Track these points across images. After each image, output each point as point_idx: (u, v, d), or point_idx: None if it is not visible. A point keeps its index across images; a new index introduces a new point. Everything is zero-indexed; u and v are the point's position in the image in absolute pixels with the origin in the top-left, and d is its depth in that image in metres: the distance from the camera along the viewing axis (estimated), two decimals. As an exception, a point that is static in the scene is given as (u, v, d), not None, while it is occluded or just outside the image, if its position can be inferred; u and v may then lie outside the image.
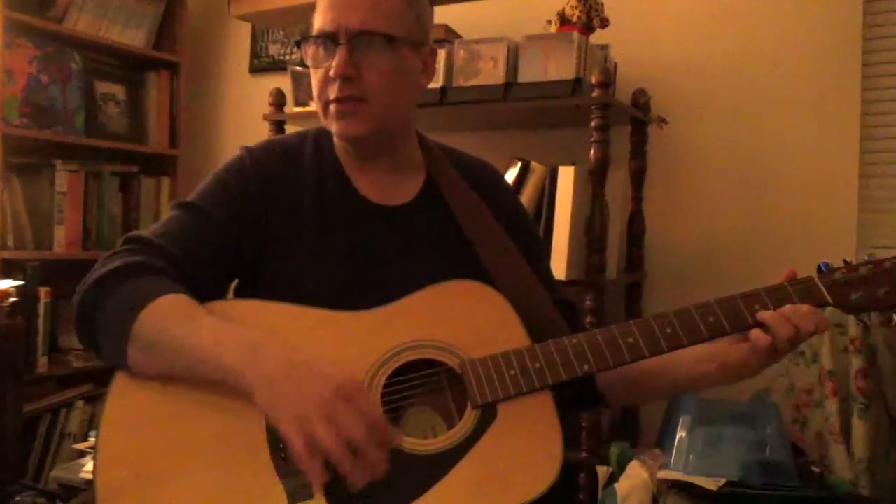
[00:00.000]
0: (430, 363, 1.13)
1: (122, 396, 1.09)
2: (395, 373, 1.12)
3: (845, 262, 1.14)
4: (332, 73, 1.19)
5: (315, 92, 1.26)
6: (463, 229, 1.29)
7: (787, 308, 1.10)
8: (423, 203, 1.31)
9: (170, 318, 1.07)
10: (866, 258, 1.14)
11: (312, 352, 1.06)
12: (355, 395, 0.98)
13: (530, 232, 1.42)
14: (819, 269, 1.14)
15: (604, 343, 1.13)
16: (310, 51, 1.24)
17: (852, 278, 1.12)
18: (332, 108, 1.23)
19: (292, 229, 1.24)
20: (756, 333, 1.10)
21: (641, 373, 1.23)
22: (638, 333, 1.13)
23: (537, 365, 1.11)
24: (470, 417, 1.08)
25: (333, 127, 1.25)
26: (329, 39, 1.21)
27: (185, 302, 1.10)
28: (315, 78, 1.25)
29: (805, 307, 1.10)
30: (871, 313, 1.86)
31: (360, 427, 0.96)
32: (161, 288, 1.10)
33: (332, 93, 1.21)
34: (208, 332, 1.05)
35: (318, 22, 1.23)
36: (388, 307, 1.16)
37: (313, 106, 2.53)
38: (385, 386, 1.10)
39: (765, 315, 1.10)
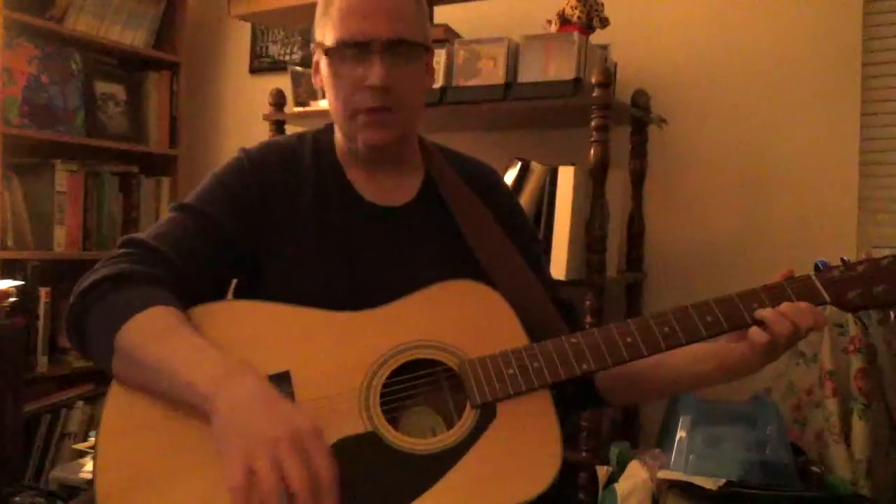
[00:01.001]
0: (429, 363, 1.13)
1: (121, 399, 1.09)
2: (394, 373, 1.11)
3: (842, 260, 1.14)
4: (370, 83, 1.19)
5: (339, 99, 1.24)
6: (461, 230, 1.29)
7: (785, 305, 1.10)
8: (422, 203, 1.31)
9: (151, 333, 1.06)
10: (864, 255, 1.14)
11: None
12: (310, 445, 0.92)
13: (528, 232, 1.43)
14: (816, 268, 1.14)
15: (602, 342, 1.13)
16: (333, 59, 1.22)
17: (849, 276, 1.12)
18: (363, 117, 1.22)
19: (291, 230, 1.24)
20: (754, 331, 1.10)
21: (640, 372, 1.23)
22: (636, 333, 1.13)
23: (536, 364, 1.11)
24: (469, 417, 1.08)
25: (361, 136, 1.24)
26: (362, 49, 1.19)
27: (168, 317, 1.08)
28: (339, 86, 1.23)
29: (803, 304, 1.10)
30: (869, 311, 1.86)
31: (303, 479, 0.89)
32: (148, 299, 1.09)
33: (365, 102, 1.21)
34: (184, 355, 1.03)
35: (342, 30, 1.20)
36: (386, 307, 1.16)
37: (313, 106, 2.57)
38: (384, 386, 1.10)
39: (763, 313, 1.10)
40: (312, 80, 1.32)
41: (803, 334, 1.09)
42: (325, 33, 1.23)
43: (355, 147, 1.27)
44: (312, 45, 1.30)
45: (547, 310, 1.25)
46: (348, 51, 1.20)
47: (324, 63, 1.25)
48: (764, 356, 1.11)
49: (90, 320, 1.10)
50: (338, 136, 1.32)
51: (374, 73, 1.18)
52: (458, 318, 1.16)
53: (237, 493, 0.89)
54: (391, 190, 1.31)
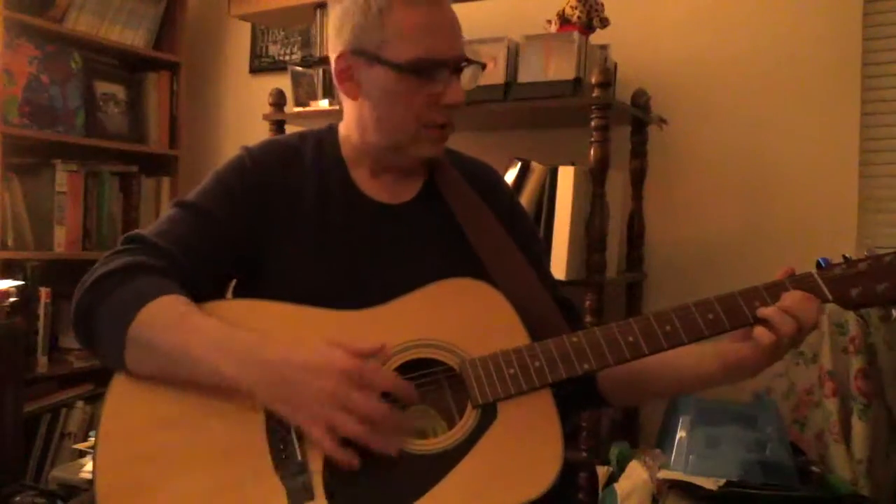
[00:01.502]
0: (429, 362, 1.13)
1: (121, 399, 1.09)
2: (395, 372, 1.11)
3: (844, 257, 1.13)
4: (450, 101, 1.21)
5: (406, 116, 1.22)
6: (463, 228, 1.29)
7: (786, 301, 1.10)
8: (424, 202, 1.31)
9: (166, 321, 1.07)
10: (866, 253, 1.13)
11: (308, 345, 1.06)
12: (358, 373, 1.02)
13: (529, 231, 1.43)
14: (818, 265, 1.14)
15: (604, 341, 1.12)
16: (408, 74, 1.19)
17: (851, 274, 1.12)
18: (429, 133, 1.24)
19: (292, 228, 1.24)
20: (758, 331, 1.10)
21: (643, 373, 1.23)
22: (638, 331, 1.12)
23: (537, 364, 1.11)
24: (470, 417, 1.08)
25: (419, 149, 1.25)
26: (442, 66, 1.20)
27: (182, 304, 1.10)
28: (410, 102, 1.21)
29: (798, 293, 1.10)
30: (870, 309, 1.85)
31: (373, 403, 1.01)
32: (158, 289, 1.10)
33: (438, 119, 1.23)
34: (203, 337, 1.06)
35: (421, 47, 1.18)
36: (387, 306, 1.16)
37: (313, 106, 2.57)
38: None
39: (765, 311, 1.10)
40: (336, 82, 1.27)
41: (807, 329, 1.09)
42: (388, 45, 1.19)
43: (404, 157, 1.27)
44: (340, 50, 1.24)
45: (548, 309, 1.25)
46: (429, 68, 1.19)
47: (381, 75, 1.20)
48: (768, 355, 1.11)
49: (99, 315, 1.10)
50: (350, 137, 1.31)
51: (457, 92, 1.21)
52: (459, 317, 1.16)
53: (338, 454, 1.00)
54: (393, 189, 1.31)
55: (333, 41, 1.26)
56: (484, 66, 1.30)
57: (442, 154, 1.30)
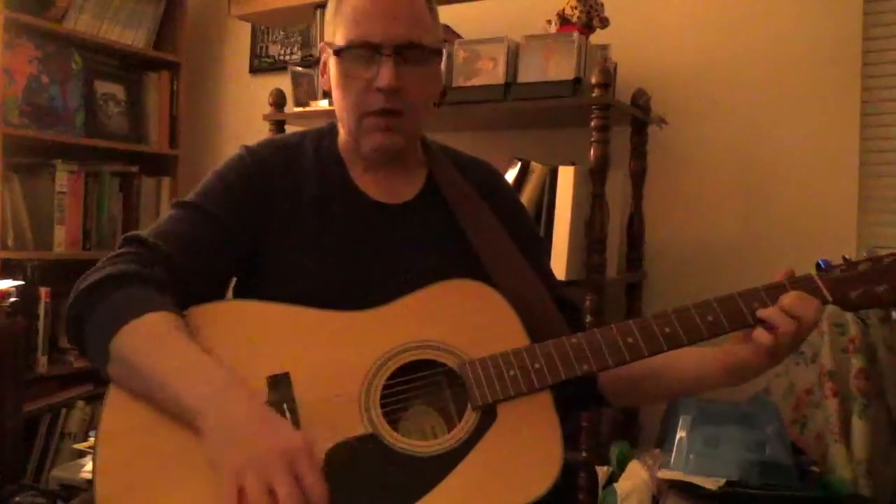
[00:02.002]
0: (429, 364, 1.13)
1: (120, 402, 1.08)
2: (395, 374, 1.11)
3: (844, 259, 1.13)
4: (379, 84, 1.18)
5: (348, 101, 1.23)
6: (463, 228, 1.29)
7: (785, 301, 1.09)
8: (424, 202, 1.31)
9: (144, 342, 1.05)
10: (866, 255, 1.13)
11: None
12: (301, 463, 0.93)
13: (530, 231, 1.42)
14: (818, 267, 1.14)
15: (603, 342, 1.12)
16: (345, 59, 1.22)
17: (852, 275, 1.12)
18: (370, 120, 1.22)
19: (292, 228, 1.24)
20: (758, 332, 1.10)
21: (644, 375, 1.23)
22: (638, 333, 1.12)
23: (537, 365, 1.11)
24: (470, 418, 1.08)
25: (369, 141, 1.24)
26: (374, 50, 1.19)
27: (164, 324, 1.07)
28: (349, 88, 1.22)
29: (797, 294, 1.09)
30: (870, 310, 1.85)
31: (293, 498, 0.90)
32: (144, 305, 1.08)
33: (374, 105, 1.21)
34: (176, 367, 1.03)
35: (354, 31, 1.20)
36: (387, 307, 1.16)
37: (313, 106, 2.57)
38: (385, 387, 1.10)
39: (765, 312, 1.10)
40: (318, 79, 1.32)
41: (807, 330, 1.09)
42: (336, 33, 1.23)
43: (361, 149, 1.27)
44: (321, 45, 1.30)
45: (548, 310, 1.24)
46: (359, 52, 1.20)
47: (333, 63, 1.25)
48: (768, 357, 1.11)
49: (88, 323, 1.10)
50: (342, 134, 1.32)
51: (385, 75, 1.18)
52: (459, 319, 1.16)
53: None
54: (393, 188, 1.31)
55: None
56: (439, 53, 1.26)
57: (395, 148, 1.25)
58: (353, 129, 1.25)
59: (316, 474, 0.93)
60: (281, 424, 0.99)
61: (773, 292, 1.12)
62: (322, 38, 1.29)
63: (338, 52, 1.22)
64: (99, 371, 1.11)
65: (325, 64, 1.29)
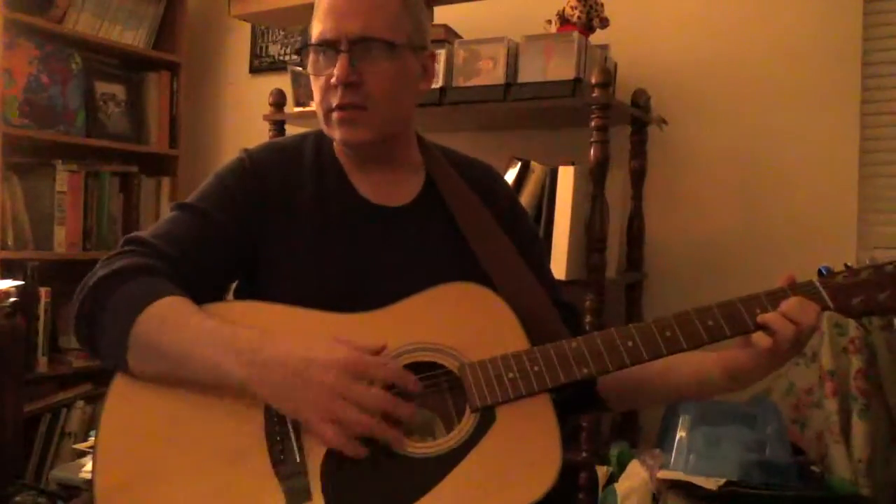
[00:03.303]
0: (429, 366, 1.13)
1: (121, 398, 1.09)
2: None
3: (846, 265, 1.14)
4: (333, 80, 1.19)
5: (316, 99, 1.25)
6: (462, 231, 1.29)
7: (785, 306, 1.09)
8: (423, 204, 1.31)
9: (168, 321, 1.08)
10: (868, 261, 1.13)
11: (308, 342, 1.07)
12: (358, 366, 1.03)
13: (530, 232, 1.42)
14: (820, 273, 1.14)
15: (603, 346, 1.12)
16: (310, 59, 1.24)
17: (853, 282, 1.12)
18: (335, 115, 1.22)
19: (292, 231, 1.24)
20: (758, 336, 1.10)
21: (644, 378, 1.23)
22: (637, 337, 1.12)
23: (536, 368, 1.11)
24: (469, 420, 1.08)
25: (336, 134, 1.25)
26: (329, 47, 1.20)
27: (183, 305, 1.10)
28: (316, 86, 1.24)
29: (797, 299, 1.10)
30: (872, 317, 1.85)
31: (375, 392, 1.02)
32: (159, 290, 1.11)
33: (335, 100, 1.21)
34: (205, 336, 1.06)
35: (317, 29, 1.22)
36: (386, 309, 1.16)
37: (313, 106, 2.56)
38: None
39: (766, 317, 1.10)
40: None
41: (807, 335, 1.09)
42: (311, 34, 1.26)
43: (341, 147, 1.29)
44: None
45: (548, 313, 1.24)
46: (321, 49, 1.22)
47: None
48: (769, 362, 1.11)
49: (101, 317, 1.11)
50: None
51: (337, 70, 1.19)
52: (459, 321, 1.16)
53: (343, 446, 1.01)
54: (392, 191, 1.30)
55: None
56: (405, 47, 1.23)
57: (360, 140, 1.24)
58: (325, 126, 1.26)
59: (381, 366, 1.06)
60: (324, 353, 1.05)
61: (774, 298, 1.12)
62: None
63: (300, 51, 1.26)
64: (109, 365, 1.12)
65: None
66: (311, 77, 1.25)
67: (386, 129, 1.25)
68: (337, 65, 1.19)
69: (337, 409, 1.01)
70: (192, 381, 1.07)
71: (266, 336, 1.07)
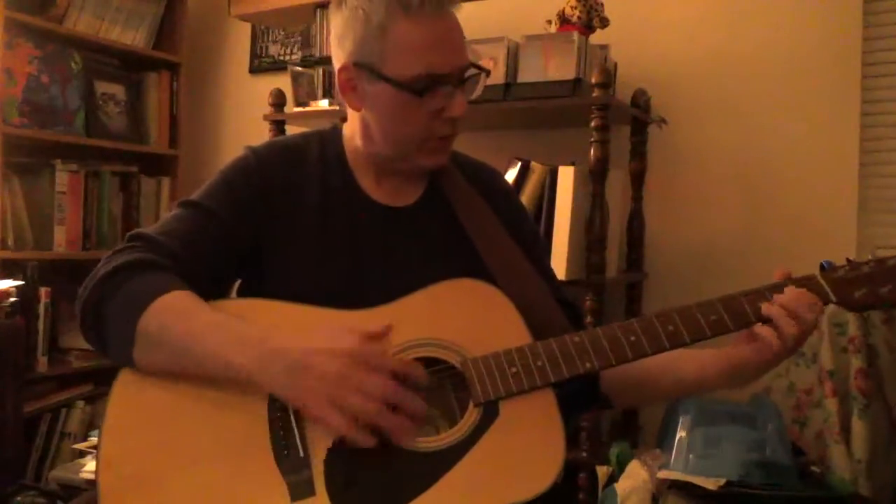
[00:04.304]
0: (432, 361, 1.13)
1: (126, 395, 1.09)
2: (398, 371, 1.12)
3: (848, 260, 1.14)
4: (452, 114, 1.20)
5: (407, 131, 1.22)
6: (466, 230, 1.29)
7: (783, 298, 1.10)
8: (427, 204, 1.31)
9: (174, 315, 1.08)
10: (870, 256, 1.14)
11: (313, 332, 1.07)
12: (364, 355, 1.03)
13: (531, 232, 1.43)
14: (822, 268, 1.14)
15: (606, 340, 1.12)
16: (412, 90, 1.17)
17: (855, 276, 1.12)
18: (433, 144, 1.23)
19: (296, 228, 1.24)
20: (759, 329, 1.10)
21: (647, 375, 1.23)
22: (640, 331, 1.12)
23: (539, 362, 1.11)
24: (472, 415, 1.08)
25: (424, 160, 1.25)
26: (440, 81, 1.18)
27: (189, 298, 1.11)
28: (414, 116, 1.20)
29: (796, 290, 1.10)
30: (873, 311, 1.85)
31: (383, 380, 1.02)
32: (165, 284, 1.11)
33: (441, 131, 1.22)
34: (212, 329, 1.07)
35: (418, 64, 1.16)
36: (389, 305, 1.16)
37: (313, 106, 2.58)
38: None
39: (768, 308, 1.10)
40: (340, 94, 1.26)
41: (807, 328, 1.09)
42: (387, 60, 1.18)
43: (406, 166, 1.27)
44: (345, 62, 1.22)
45: (551, 309, 1.25)
46: (428, 85, 1.18)
47: (383, 90, 1.19)
48: (770, 356, 1.11)
49: (107, 310, 1.11)
50: (354, 140, 1.30)
51: (460, 105, 1.20)
52: (462, 317, 1.16)
53: (349, 432, 1.01)
54: (396, 191, 1.31)
55: (336, 50, 1.25)
56: (488, 73, 1.29)
57: (447, 162, 1.30)
58: (408, 150, 1.24)
59: (386, 357, 1.07)
60: (329, 343, 1.05)
61: (776, 291, 1.12)
62: (348, 55, 1.22)
63: (402, 85, 1.17)
64: (115, 359, 1.12)
65: (351, 81, 1.23)
66: (404, 108, 1.19)
67: None
68: (456, 100, 1.20)
69: (341, 397, 1.01)
70: (198, 373, 1.07)
71: (272, 329, 1.08)
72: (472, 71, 1.26)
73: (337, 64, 1.25)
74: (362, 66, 1.20)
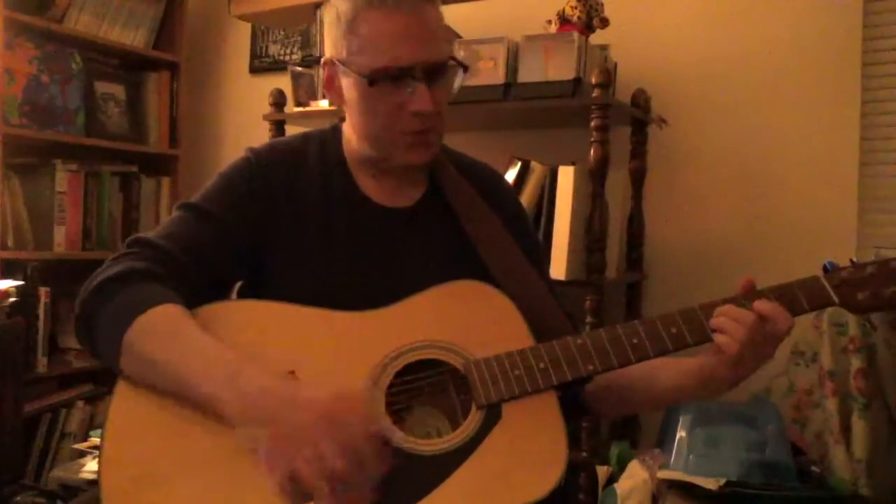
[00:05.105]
0: (434, 363, 1.13)
1: (126, 398, 1.09)
2: (400, 373, 1.12)
3: (851, 261, 1.14)
4: (415, 109, 1.17)
5: (377, 123, 1.21)
6: (466, 231, 1.29)
7: (727, 308, 1.10)
8: (428, 205, 1.32)
9: (157, 334, 1.06)
10: (873, 258, 1.13)
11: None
12: (342, 417, 0.92)
13: (530, 236, 1.43)
14: (825, 269, 1.14)
15: (608, 342, 1.13)
16: (373, 83, 1.17)
17: (858, 277, 1.12)
18: (407, 139, 1.21)
19: (297, 230, 1.24)
20: (717, 336, 1.10)
21: (630, 384, 1.23)
22: (643, 333, 1.13)
23: (542, 365, 1.11)
24: (475, 418, 1.09)
25: (402, 156, 1.23)
26: (403, 73, 1.17)
27: (175, 316, 1.08)
28: (378, 110, 1.20)
29: (735, 310, 1.10)
30: (876, 314, 1.85)
31: (344, 459, 0.89)
32: (155, 298, 1.09)
33: (409, 127, 1.20)
34: (190, 355, 1.04)
35: (382, 57, 1.16)
36: (392, 308, 1.16)
37: (313, 106, 2.57)
38: (390, 386, 1.10)
39: (716, 321, 1.10)
40: (324, 91, 1.29)
41: (758, 336, 1.08)
42: (353, 55, 1.19)
43: (392, 163, 1.26)
44: (326, 58, 1.26)
45: (553, 311, 1.25)
46: (389, 77, 1.17)
47: (352, 84, 1.21)
48: (732, 366, 1.10)
49: (99, 321, 1.11)
50: (351, 141, 1.30)
51: (422, 100, 1.17)
52: (464, 319, 1.16)
53: (288, 497, 0.91)
54: (397, 192, 1.31)
55: (325, 49, 1.27)
56: (466, 68, 1.26)
57: (431, 159, 1.26)
58: (385, 147, 1.24)
59: (357, 425, 0.92)
60: (308, 391, 0.96)
61: (780, 293, 1.13)
62: (329, 52, 1.25)
63: (364, 77, 1.18)
64: (106, 368, 1.11)
65: (330, 78, 1.26)
66: (368, 101, 1.20)
67: (440, 143, 1.28)
68: (417, 94, 1.17)
69: (297, 463, 0.90)
70: (172, 391, 1.05)
71: (248, 362, 1.02)
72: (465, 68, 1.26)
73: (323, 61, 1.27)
74: (337, 61, 1.23)
